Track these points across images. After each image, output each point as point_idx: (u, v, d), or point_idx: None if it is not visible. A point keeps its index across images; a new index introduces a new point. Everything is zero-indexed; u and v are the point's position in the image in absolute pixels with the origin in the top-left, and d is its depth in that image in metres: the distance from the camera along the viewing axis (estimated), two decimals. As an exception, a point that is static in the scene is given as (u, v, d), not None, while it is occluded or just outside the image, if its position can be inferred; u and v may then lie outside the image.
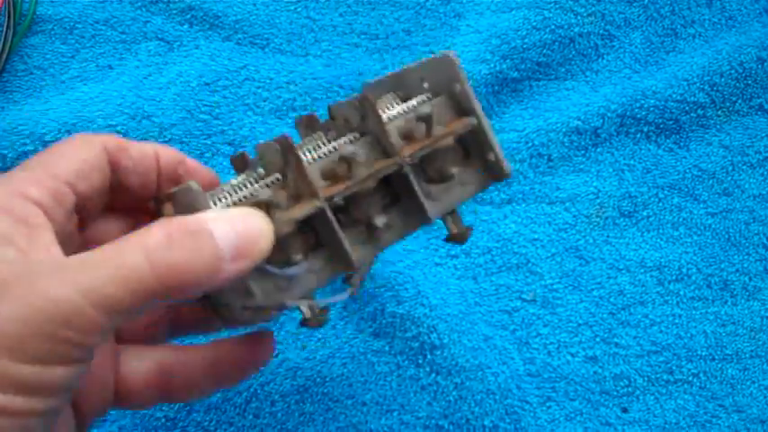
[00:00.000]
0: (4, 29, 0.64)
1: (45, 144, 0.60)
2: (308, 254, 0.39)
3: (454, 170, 0.42)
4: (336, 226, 0.38)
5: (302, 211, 0.37)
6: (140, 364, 0.41)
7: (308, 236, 0.40)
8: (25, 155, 0.60)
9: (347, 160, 0.38)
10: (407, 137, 0.41)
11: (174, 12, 0.67)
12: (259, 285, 0.37)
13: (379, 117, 0.40)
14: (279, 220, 0.36)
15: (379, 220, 0.40)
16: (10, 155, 0.60)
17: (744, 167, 0.66)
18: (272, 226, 0.35)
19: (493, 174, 0.43)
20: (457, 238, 0.44)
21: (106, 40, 0.67)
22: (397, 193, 0.42)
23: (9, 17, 0.64)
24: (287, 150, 0.38)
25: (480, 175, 0.44)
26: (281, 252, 0.38)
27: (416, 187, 0.41)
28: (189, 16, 0.67)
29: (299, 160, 0.38)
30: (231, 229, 0.34)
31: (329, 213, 0.38)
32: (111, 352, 0.41)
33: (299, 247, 0.39)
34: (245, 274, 0.35)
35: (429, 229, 0.61)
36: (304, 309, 0.39)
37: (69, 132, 0.61)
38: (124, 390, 0.41)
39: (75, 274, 0.32)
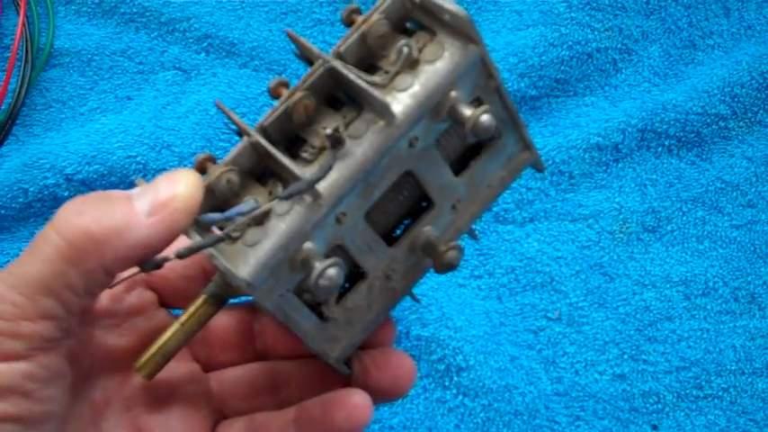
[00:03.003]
0: (22, 63, 0.65)
1: (66, 177, 0.61)
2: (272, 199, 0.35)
3: (414, 52, 0.34)
4: (273, 149, 0.34)
5: (234, 151, 0.35)
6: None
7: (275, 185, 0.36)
8: (47, 188, 0.61)
9: (285, 83, 0.36)
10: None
11: (191, 40, 0.68)
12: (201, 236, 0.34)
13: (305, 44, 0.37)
14: (212, 173, 0.34)
15: (330, 129, 0.33)
16: (31, 189, 0.61)
17: None
18: (197, 178, 0.34)
19: (456, 29, 0.34)
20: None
21: (124, 71, 0.67)
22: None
23: (27, 51, 0.65)
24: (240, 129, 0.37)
25: (449, 40, 0.34)
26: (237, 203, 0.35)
27: (351, 76, 0.34)
28: (205, 44, 0.68)
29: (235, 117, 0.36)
30: (150, 188, 0.33)
31: (263, 141, 0.34)
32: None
33: (257, 195, 0.35)
34: (178, 228, 0.33)
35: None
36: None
37: (90, 165, 0.61)
38: None
39: (4, 272, 0.32)
